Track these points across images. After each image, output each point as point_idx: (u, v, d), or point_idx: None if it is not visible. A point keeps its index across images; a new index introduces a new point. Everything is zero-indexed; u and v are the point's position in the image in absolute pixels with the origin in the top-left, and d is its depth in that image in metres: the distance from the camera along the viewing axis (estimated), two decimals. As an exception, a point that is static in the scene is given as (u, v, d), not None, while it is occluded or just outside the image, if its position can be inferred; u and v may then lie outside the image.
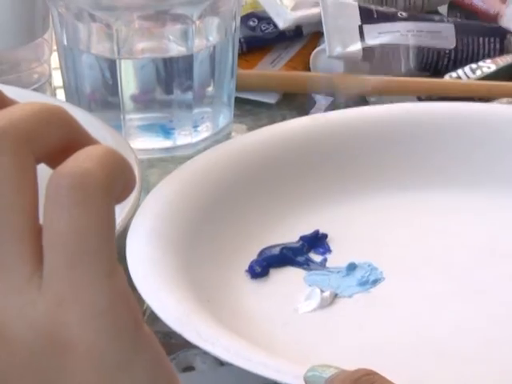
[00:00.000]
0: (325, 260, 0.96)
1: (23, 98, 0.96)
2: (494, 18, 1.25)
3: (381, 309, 0.95)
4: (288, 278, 0.94)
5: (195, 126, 0.96)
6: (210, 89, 0.96)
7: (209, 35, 0.95)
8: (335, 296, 0.93)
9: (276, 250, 0.92)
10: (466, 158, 1.03)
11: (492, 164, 1.01)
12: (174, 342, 0.81)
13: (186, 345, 0.81)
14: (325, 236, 0.97)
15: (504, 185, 0.97)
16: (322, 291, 0.92)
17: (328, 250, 0.97)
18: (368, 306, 0.94)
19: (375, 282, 0.96)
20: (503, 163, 1.00)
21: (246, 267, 0.89)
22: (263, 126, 0.99)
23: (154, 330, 0.76)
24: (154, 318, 0.79)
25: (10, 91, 0.98)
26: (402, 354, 0.88)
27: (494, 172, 1.00)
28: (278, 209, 0.95)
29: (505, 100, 1.17)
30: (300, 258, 0.95)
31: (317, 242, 0.97)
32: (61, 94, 1.01)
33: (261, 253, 0.91)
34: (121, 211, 0.85)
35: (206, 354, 0.81)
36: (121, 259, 0.77)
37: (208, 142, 0.98)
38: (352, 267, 0.95)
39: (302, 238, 0.95)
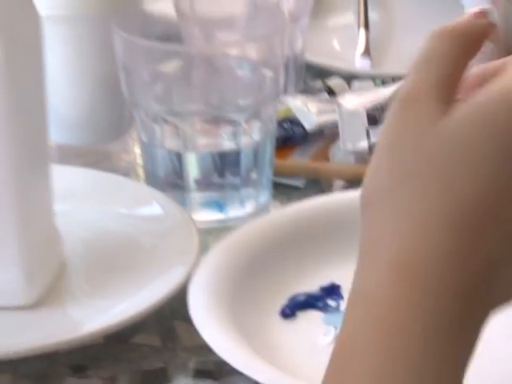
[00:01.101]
0: (339, 305, 0.93)
1: (113, 181, 0.97)
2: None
3: None
4: (310, 318, 0.92)
5: (242, 203, 0.96)
6: (253, 175, 0.96)
7: (253, 134, 0.95)
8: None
9: (301, 298, 0.90)
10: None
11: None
12: (224, 369, 0.80)
13: (233, 371, 0.79)
14: (339, 286, 0.94)
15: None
16: (335, 328, 0.90)
17: (341, 297, 0.93)
18: None
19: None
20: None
21: (279, 310, 0.87)
22: (293, 204, 0.99)
23: (210, 359, 0.80)
24: (209, 350, 0.78)
25: (103, 176, 0.98)
26: None
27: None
28: (303, 266, 0.92)
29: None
30: (320, 304, 0.93)
31: (332, 291, 0.94)
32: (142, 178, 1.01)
33: (290, 299, 0.89)
34: (185, 267, 0.85)
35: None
36: (183, 305, 0.76)
37: (251, 216, 0.97)
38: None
39: (322, 289, 0.93)
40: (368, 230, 0.58)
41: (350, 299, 0.56)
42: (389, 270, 0.55)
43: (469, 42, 0.57)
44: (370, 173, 0.58)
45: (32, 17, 0.81)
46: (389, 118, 0.58)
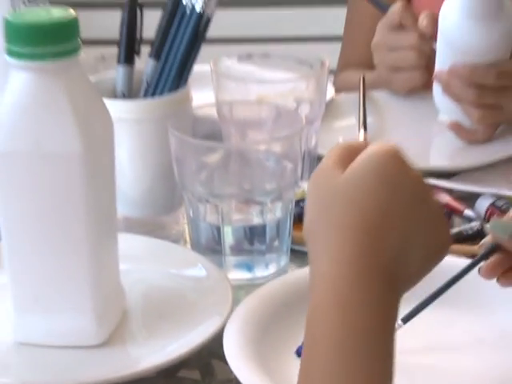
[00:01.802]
0: None
1: (166, 247, 0.97)
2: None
3: None
4: None
5: (266, 265, 0.95)
6: (276, 243, 0.95)
7: (276, 212, 0.94)
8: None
9: None
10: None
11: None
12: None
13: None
14: None
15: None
16: None
17: None
18: None
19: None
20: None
21: (295, 350, 0.85)
22: (307, 266, 0.96)
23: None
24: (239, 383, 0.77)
25: (158, 243, 0.98)
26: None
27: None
28: None
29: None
30: None
31: None
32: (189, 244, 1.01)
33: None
34: (221, 316, 0.84)
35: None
36: (219, 346, 0.80)
37: (274, 275, 0.95)
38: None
39: None
40: (311, 246, 0.69)
41: (310, 292, 0.67)
42: (329, 266, 0.65)
43: (350, 149, 0.71)
44: (306, 217, 0.70)
45: (105, 119, 0.82)
46: (310, 180, 0.71)
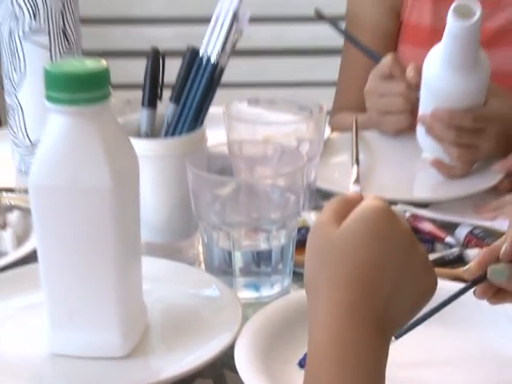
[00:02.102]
0: None
1: (183, 269, 0.97)
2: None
3: None
4: None
5: (272, 286, 0.95)
6: (280, 266, 0.95)
7: (280, 239, 0.94)
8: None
9: None
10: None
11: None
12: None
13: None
14: None
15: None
16: None
17: None
18: None
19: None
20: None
21: (297, 362, 0.85)
22: None
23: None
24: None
25: (176, 265, 0.97)
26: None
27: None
28: None
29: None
30: None
31: None
32: (203, 266, 1.00)
33: (305, 354, 0.81)
34: (232, 331, 0.84)
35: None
36: (231, 359, 0.80)
37: (278, 295, 0.95)
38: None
39: None
40: (310, 295, 0.69)
41: (309, 337, 0.67)
42: (327, 312, 0.65)
43: (345, 204, 0.70)
44: (305, 268, 0.69)
45: (132, 156, 0.82)
46: (310, 234, 0.70)
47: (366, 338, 0.64)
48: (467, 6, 1.14)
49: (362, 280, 0.65)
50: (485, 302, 0.88)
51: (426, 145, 1.24)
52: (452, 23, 1.14)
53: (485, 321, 0.90)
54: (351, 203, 0.69)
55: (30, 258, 0.97)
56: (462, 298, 0.87)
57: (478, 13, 1.13)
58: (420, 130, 1.23)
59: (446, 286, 0.90)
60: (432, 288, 0.69)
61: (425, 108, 1.22)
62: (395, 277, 0.66)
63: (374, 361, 0.64)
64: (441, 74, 1.18)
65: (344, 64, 1.55)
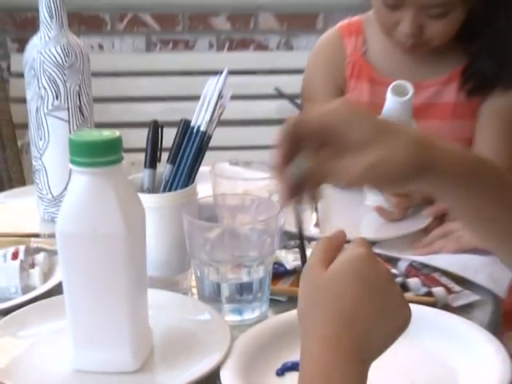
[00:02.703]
0: None
1: (179, 298, 0.96)
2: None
3: None
4: (293, 376, 0.77)
5: (253, 310, 0.94)
6: (259, 295, 0.94)
7: (260, 272, 0.93)
8: None
9: (289, 364, 0.85)
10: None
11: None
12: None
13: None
14: None
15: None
16: None
17: None
18: None
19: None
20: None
21: (275, 371, 0.84)
22: (281, 313, 0.94)
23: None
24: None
25: (173, 295, 0.95)
26: None
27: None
28: (290, 347, 0.85)
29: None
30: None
31: None
32: (196, 296, 0.98)
33: (282, 365, 0.85)
34: (221, 351, 0.83)
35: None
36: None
37: (258, 318, 0.94)
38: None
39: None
40: (302, 328, 0.67)
41: (300, 361, 0.66)
42: (315, 343, 0.64)
43: (330, 245, 0.70)
44: (298, 305, 0.68)
45: (139, 207, 0.82)
46: (302, 275, 0.69)
47: (349, 365, 0.63)
48: (402, 86, 1.16)
49: (344, 317, 0.64)
50: (431, 318, 0.88)
51: (370, 196, 1.23)
52: (391, 99, 1.15)
53: (429, 333, 0.88)
54: (336, 244, 0.69)
55: (55, 291, 0.96)
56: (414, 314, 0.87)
57: (411, 92, 1.15)
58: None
59: None
60: (406, 321, 0.67)
61: None
62: (374, 313, 0.65)
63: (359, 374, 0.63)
64: None
65: None
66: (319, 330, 0.65)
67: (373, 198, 1.23)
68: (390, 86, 1.15)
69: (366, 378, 0.64)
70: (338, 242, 0.70)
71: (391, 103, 1.15)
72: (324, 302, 0.66)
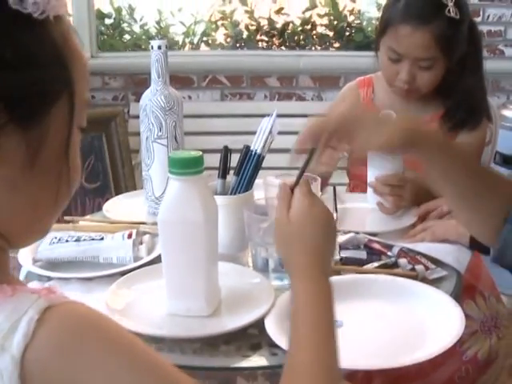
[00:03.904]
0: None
1: (239, 269, 0.99)
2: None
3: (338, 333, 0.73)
4: None
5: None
6: None
7: None
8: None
9: None
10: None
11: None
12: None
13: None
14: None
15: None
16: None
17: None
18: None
19: (339, 324, 0.79)
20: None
21: None
22: None
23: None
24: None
25: (234, 266, 1.01)
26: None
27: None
28: None
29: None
30: None
31: None
32: (251, 267, 0.95)
33: None
34: (267, 305, 0.80)
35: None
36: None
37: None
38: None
39: None
40: (286, 267, 0.65)
41: (291, 289, 0.62)
42: (298, 275, 0.62)
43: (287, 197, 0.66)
44: (275, 244, 0.67)
45: (214, 204, 0.81)
46: (275, 228, 0.67)
47: (321, 280, 0.62)
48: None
49: (309, 250, 0.63)
50: (413, 287, 0.85)
51: (372, 198, 1.18)
52: None
53: (411, 297, 0.86)
54: (288, 190, 0.67)
55: (155, 260, 0.96)
56: (398, 283, 0.84)
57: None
58: (369, 191, 1.18)
59: (387, 279, 0.89)
60: (335, 233, 0.69)
61: (370, 178, 1.17)
62: (325, 240, 0.64)
63: (329, 290, 0.62)
64: (379, 156, 1.13)
65: None
66: (295, 263, 0.63)
67: (372, 200, 1.18)
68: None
69: (331, 284, 0.63)
70: (286, 191, 0.68)
71: None
72: (295, 244, 0.64)
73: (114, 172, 2.07)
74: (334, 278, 0.86)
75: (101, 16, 2.56)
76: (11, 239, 0.46)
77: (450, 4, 1.12)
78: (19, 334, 0.39)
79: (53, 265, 0.95)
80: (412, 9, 1.14)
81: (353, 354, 0.73)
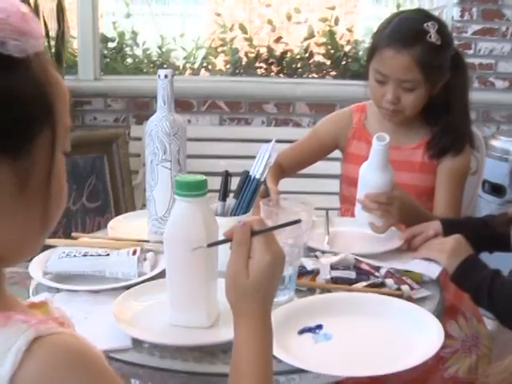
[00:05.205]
0: (320, 331, 0.87)
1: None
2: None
3: (327, 344, 0.84)
4: (309, 336, 0.86)
5: (284, 295, 0.93)
6: (289, 285, 0.94)
7: (289, 271, 0.93)
8: (317, 342, 0.85)
9: (306, 328, 0.86)
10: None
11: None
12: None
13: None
14: (321, 325, 0.88)
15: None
16: (316, 340, 0.86)
17: (321, 329, 0.87)
18: (326, 344, 0.84)
19: (329, 337, 0.86)
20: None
21: (297, 331, 0.85)
22: (302, 298, 0.94)
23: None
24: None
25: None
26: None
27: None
28: (310, 317, 0.88)
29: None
30: (314, 330, 0.87)
31: (319, 326, 0.87)
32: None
33: (302, 328, 0.86)
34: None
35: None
36: None
37: (287, 300, 0.94)
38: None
39: (316, 326, 0.87)
40: (234, 311, 0.65)
41: (234, 331, 0.63)
42: (247, 322, 0.63)
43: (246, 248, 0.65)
44: (228, 294, 0.66)
45: (215, 223, 0.83)
46: (228, 271, 0.66)
47: (266, 320, 0.65)
48: (383, 135, 1.16)
49: (262, 302, 0.65)
50: (399, 305, 0.89)
51: (361, 216, 1.18)
52: (375, 143, 1.16)
53: (396, 315, 0.90)
54: (246, 238, 0.65)
55: (158, 276, 0.98)
56: (381, 298, 0.88)
57: (388, 139, 1.15)
58: (358, 207, 1.18)
59: (374, 297, 0.94)
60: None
61: (360, 194, 1.18)
62: (276, 284, 0.66)
63: (270, 328, 0.65)
64: (369, 174, 1.17)
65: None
66: (245, 310, 0.64)
67: (363, 218, 1.18)
68: (375, 135, 1.16)
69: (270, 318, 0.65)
70: (247, 236, 0.66)
71: (375, 145, 1.16)
72: (249, 295, 0.65)
73: (114, 192, 2.10)
74: (326, 296, 0.97)
75: (104, 40, 2.64)
76: (3, 259, 0.48)
77: (432, 31, 1.20)
78: (8, 362, 0.41)
79: (61, 277, 0.99)
80: (396, 34, 1.22)
81: (342, 364, 0.80)
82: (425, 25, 1.20)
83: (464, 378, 1.10)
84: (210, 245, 0.76)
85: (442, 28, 1.23)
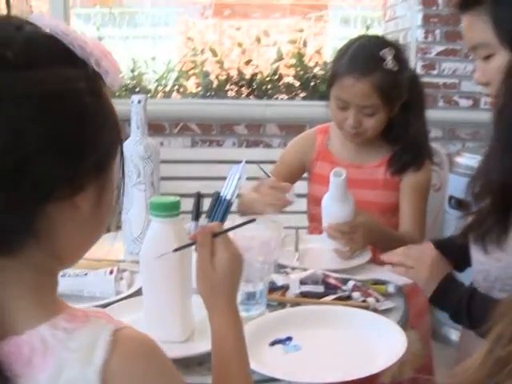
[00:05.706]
0: (290, 343, 0.91)
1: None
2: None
3: (296, 354, 0.88)
4: (279, 347, 0.90)
5: (255, 310, 0.98)
6: (260, 300, 0.98)
7: (260, 286, 0.98)
8: (287, 352, 0.89)
9: (277, 340, 0.90)
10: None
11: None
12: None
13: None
14: (291, 337, 0.92)
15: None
16: (286, 351, 0.90)
17: (291, 340, 0.91)
18: (296, 354, 0.88)
19: (298, 348, 0.90)
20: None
21: (268, 343, 0.88)
22: (273, 311, 0.98)
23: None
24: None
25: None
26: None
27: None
28: (280, 330, 0.91)
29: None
30: (284, 342, 0.91)
31: (288, 338, 0.92)
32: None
33: (273, 341, 0.90)
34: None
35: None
36: None
37: (258, 314, 0.97)
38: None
39: (286, 338, 0.91)
40: (206, 306, 0.70)
41: (211, 325, 0.67)
42: (218, 315, 0.67)
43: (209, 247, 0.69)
44: (199, 290, 0.71)
45: (188, 254, 0.84)
46: (197, 271, 0.71)
47: (235, 314, 0.70)
48: (339, 171, 1.20)
49: (229, 295, 0.71)
50: (364, 317, 0.93)
51: (326, 243, 1.23)
52: (333, 179, 1.21)
53: (362, 326, 0.94)
54: (208, 240, 0.70)
55: (135, 294, 1.02)
56: (351, 311, 0.92)
57: (344, 174, 1.20)
58: (324, 235, 1.23)
59: (342, 309, 0.99)
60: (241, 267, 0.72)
61: (324, 223, 1.22)
62: (238, 281, 0.72)
63: (239, 320, 0.70)
64: (330, 206, 1.21)
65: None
66: (216, 302, 0.70)
67: (328, 242, 1.22)
68: (332, 172, 1.20)
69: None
70: (208, 238, 0.71)
71: (333, 181, 1.21)
72: (217, 287, 0.70)
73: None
74: (296, 309, 1.01)
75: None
76: (63, 262, 0.54)
77: (389, 58, 1.25)
78: (100, 350, 0.47)
79: (40, 298, 1.02)
80: (354, 63, 1.27)
81: (310, 371, 0.84)
82: (381, 52, 1.26)
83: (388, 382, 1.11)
84: (176, 250, 0.79)
85: (398, 53, 1.28)
